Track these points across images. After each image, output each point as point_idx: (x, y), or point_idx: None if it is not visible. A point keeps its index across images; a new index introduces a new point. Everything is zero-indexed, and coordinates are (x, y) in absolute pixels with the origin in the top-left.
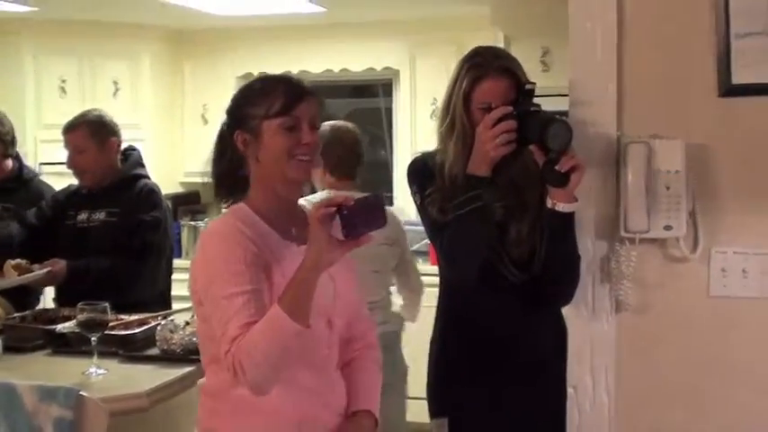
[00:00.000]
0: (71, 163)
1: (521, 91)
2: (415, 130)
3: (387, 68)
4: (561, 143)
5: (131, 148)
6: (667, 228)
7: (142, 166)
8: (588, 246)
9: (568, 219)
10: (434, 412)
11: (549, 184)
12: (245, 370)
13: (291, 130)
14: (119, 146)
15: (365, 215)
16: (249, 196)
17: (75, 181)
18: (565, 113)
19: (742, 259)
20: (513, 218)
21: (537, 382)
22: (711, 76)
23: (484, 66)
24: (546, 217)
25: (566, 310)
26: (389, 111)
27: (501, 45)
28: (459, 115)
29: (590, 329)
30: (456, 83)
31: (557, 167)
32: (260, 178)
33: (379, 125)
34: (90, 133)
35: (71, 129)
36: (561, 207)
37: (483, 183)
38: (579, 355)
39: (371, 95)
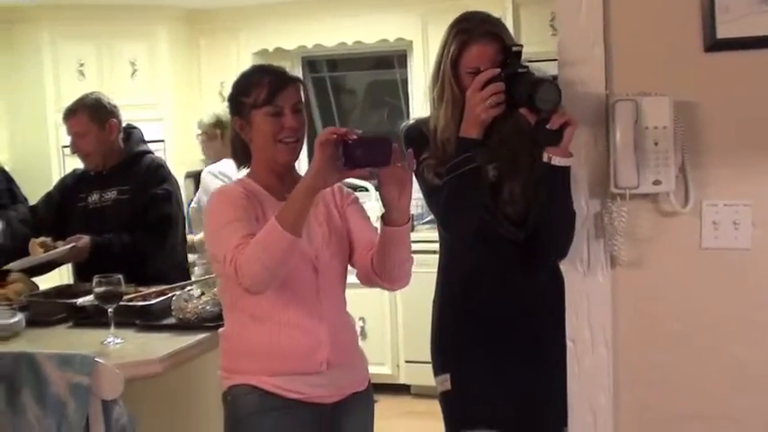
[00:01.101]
0: (74, 147)
1: (508, 53)
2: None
3: (399, 39)
4: (550, 104)
5: (132, 127)
6: (656, 183)
7: (145, 142)
8: (582, 203)
9: (564, 173)
10: (437, 369)
11: (544, 143)
12: (243, 270)
13: (276, 116)
14: (119, 126)
15: (367, 150)
16: (251, 169)
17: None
18: None
19: (733, 211)
20: (506, 177)
21: (537, 335)
22: (697, 32)
23: (471, 30)
24: (542, 172)
25: (562, 266)
26: (405, 82)
27: (510, 11)
28: (448, 80)
29: (586, 284)
30: (445, 48)
31: (548, 126)
32: (256, 155)
33: (397, 96)
34: (90, 117)
35: (71, 114)
36: (557, 161)
37: (474, 145)
38: (577, 310)
39: (389, 67)
